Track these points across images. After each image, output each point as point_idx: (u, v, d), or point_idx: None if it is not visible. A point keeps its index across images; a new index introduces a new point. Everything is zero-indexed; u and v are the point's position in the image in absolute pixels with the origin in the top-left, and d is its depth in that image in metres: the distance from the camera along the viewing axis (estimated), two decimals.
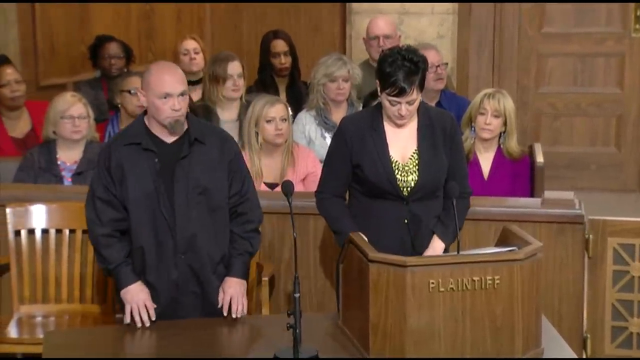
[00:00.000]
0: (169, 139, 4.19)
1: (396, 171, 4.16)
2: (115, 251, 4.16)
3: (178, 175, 4.15)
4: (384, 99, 4.13)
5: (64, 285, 4.95)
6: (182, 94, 4.13)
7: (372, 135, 4.17)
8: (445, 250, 4.24)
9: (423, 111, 4.22)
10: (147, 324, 4.09)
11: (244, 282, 4.25)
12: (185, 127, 4.20)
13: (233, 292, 4.18)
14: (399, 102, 4.09)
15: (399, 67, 4.05)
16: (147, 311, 4.09)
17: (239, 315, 4.16)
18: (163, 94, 4.10)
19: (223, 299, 4.18)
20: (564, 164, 7.78)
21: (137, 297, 4.11)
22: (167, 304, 4.17)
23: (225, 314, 4.16)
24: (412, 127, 4.21)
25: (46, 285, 4.95)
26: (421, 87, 4.10)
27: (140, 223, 4.15)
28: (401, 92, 4.06)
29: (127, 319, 4.11)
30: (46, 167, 5.39)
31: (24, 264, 4.93)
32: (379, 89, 4.15)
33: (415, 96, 4.08)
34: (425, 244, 4.21)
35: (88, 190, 4.25)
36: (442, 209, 4.24)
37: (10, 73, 6.24)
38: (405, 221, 4.17)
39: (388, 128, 4.19)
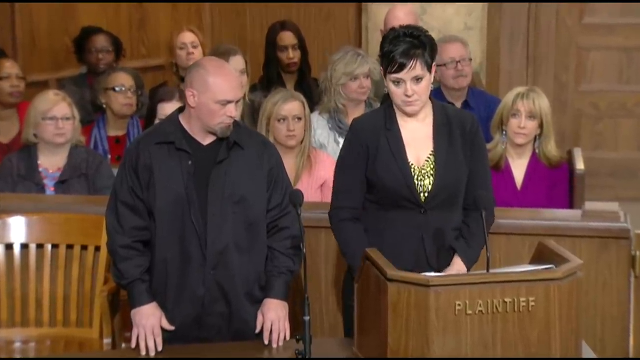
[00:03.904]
0: (206, 141, 4.19)
1: (413, 175, 4.17)
2: (133, 266, 4.16)
3: (213, 180, 4.14)
4: (389, 84, 4.14)
5: (45, 307, 4.97)
6: (239, 100, 4.19)
7: (386, 135, 4.19)
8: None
9: (440, 109, 4.25)
10: (152, 353, 4.08)
11: (286, 304, 4.23)
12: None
13: (274, 317, 4.16)
14: (403, 81, 4.11)
15: (399, 42, 4.10)
16: (155, 339, 4.09)
17: (280, 344, 4.14)
18: (224, 101, 4.11)
19: (263, 324, 4.17)
20: (607, 172, 7.79)
21: (146, 321, 4.11)
22: (188, 323, 4.16)
23: (266, 342, 4.14)
24: (428, 126, 4.22)
25: (26, 307, 4.97)
26: (428, 65, 4.11)
27: (167, 232, 4.14)
28: (402, 67, 4.08)
29: (133, 344, 4.12)
30: (26, 175, 5.41)
31: (1, 283, 4.94)
32: (384, 76, 4.17)
33: (421, 72, 4.10)
34: (443, 261, 4.20)
35: (110, 195, 4.24)
36: (463, 223, 4.24)
37: (10, 66, 6.35)
38: (422, 236, 4.17)
39: (403, 128, 4.21)
